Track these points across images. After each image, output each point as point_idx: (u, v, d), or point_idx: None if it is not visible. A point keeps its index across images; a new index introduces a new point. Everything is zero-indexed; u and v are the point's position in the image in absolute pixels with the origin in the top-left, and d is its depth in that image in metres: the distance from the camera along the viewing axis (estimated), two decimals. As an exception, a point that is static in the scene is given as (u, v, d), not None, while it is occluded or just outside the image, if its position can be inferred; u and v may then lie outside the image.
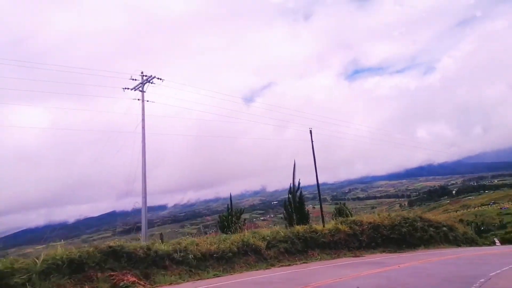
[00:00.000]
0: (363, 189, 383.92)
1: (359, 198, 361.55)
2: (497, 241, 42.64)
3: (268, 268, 17.56)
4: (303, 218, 27.60)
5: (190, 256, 15.74)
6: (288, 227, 25.60)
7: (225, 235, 21.13)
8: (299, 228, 23.51)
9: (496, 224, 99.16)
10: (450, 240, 32.21)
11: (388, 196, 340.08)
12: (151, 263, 14.39)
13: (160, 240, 18.62)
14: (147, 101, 20.05)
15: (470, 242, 34.56)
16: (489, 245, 38.99)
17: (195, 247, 16.74)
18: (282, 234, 22.13)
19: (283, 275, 14.90)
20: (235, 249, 18.28)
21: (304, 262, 19.46)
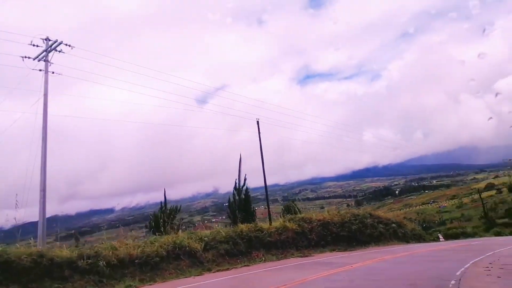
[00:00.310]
0: (312, 189, 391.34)
1: (308, 199, 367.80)
2: (441, 236, 42.89)
3: (201, 274, 14.71)
4: (249, 216, 25.03)
5: (101, 263, 12.50)
6: (232, 227, 22.92)
7: (154, 236, 17.99)
8: (243, 227, 20.90)
9: (436, 221, 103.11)
10: (399, 237, 31.23)
11: (336, 197, 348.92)
12: (43, 273, 11.02)
13: (74, 243, 15.09)
14: (52, 72, 16.36)
15: (418, 238, 33.96)
16: (434, 240, 38.90)
17: (111, 252, 13.51)
18: (224, 234, 19.39)
19: (215, 283, 12.16)
20: (164, 252, 15.26)
21: (246, 265, 16.84)
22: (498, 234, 48.08)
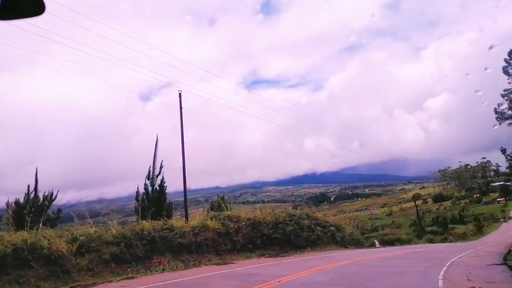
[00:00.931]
0: (253, 193, 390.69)
1: (248, 202, 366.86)
2: (377, 242, 40.61)
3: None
4: (162, 212, 19.77)
5: None
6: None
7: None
8: (145, 224, 15.71)
9: (368, 228, 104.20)
10: (337, 241, 27.75)
11: (275, 201, 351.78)
12: None
13: None
14: None
15: (356, 243, 30.83)
16: (371, 246, 36.42)
17: None
18: (114, 232, 14.07)
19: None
20: (-3, 257, 9.68)
21: (131, 277, 11.70)
22: (431, 241, 47.31)
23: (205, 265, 14.77)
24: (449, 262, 13.93)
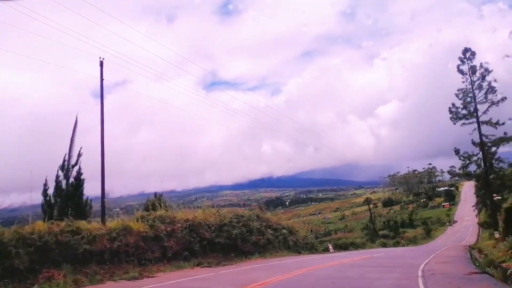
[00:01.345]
0: (209, 197, 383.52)
1: (202, 207, 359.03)
2: (330, 247, 38.43)
3: None
4: (78, 211, 15.73)
5: None
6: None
7: None
8: (39, 225, 11.76)
9: (322, 232, 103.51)
10: (290, 246, 24.89)
11: (232, 205, 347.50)
12: None
13: None
14: None
15: (310, 248, 28.22)
16: (324, 251, 34.17)
17: None
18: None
19: None
20: None
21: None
22: (384, 245, 46.12)
23: (114, 280, 11.08)
24: (419, 271, 11.32)
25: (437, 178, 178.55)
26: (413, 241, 55.75)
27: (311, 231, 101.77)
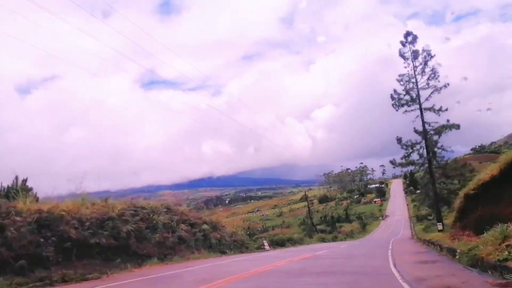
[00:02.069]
0: (146, 197, 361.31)
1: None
2: (266, 244, 33.49)
3: None
4: None
5: None
6: None
7: None
8: None
9: (259, 229, 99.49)
10: (212, 245, 19.17)
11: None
12: None
13: None
14: None
15: (239, 246, 22.76)
16: (259, 249, 29.15)
17: None
18: None
19: None
20: None
21: None
22: (323, 240, 42.44)
23: None
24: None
25: (368, 176, 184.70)
26: (350, 235, 53.19)
27: (249, 228, 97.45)
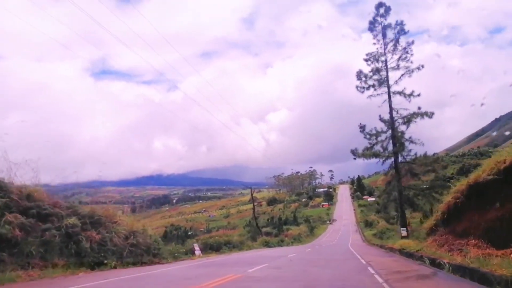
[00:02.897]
0: (89, 193, 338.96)
1: (80, 203, 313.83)
2: (196, 248, 26.22)
3: None
4: None
5: None
6: None
7: None
8: None
9: (203, 229, 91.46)
10: (82, 251, 11.54)
11: (114, 202, 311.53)
12: None
13: None
14: None
15: (142, 253, 15.17)
16: (186, 254, 21.93)
17: None
18: None
19: None
20: None
21: None
22: (267, 244, 35.81)
23: None
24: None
25: (317, 181, 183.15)
26: (297, 239, 47.24)
27: (191, 228, 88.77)
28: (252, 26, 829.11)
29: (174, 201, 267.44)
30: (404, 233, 24.16)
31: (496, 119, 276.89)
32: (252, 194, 58.52)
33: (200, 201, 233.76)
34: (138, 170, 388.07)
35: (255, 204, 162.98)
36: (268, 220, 76.90)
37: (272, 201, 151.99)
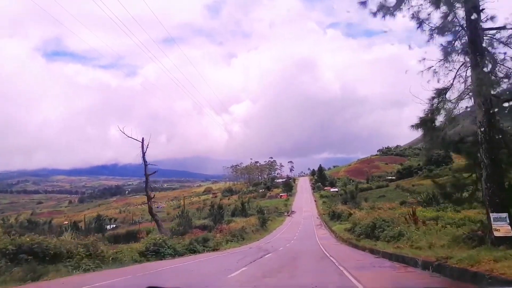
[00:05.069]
0: (36, 182, 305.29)
1: (26, 192, 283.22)
2: None
3: None
4: None
5: None
6: None
7: None
8: None
9: (132, 221, 72.38)
10: None
11: (62, 192, 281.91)
12: None
13: None
14: None
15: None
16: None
17: None
18: None
19: None
20: None
21: None
22: (193, 251, 18.57)
23: None
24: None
25: (277, 172, 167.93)
26: (239, 235, 30.11)
27: (115, 220, 69.36)
28: (218, 14, 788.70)
29: (127, 192, 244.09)
30: (506, 227, 7.72)
31: None
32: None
33: (154, 192, 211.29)
34: (92, 159, 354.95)
35: (211, 196, 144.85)
36: (209, 210, 59.43)
37: (227, 192, 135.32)
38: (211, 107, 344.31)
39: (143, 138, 20.83)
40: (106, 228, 59.07)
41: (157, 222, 21.76)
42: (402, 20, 10.00)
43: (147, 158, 29.13)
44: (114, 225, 65.59)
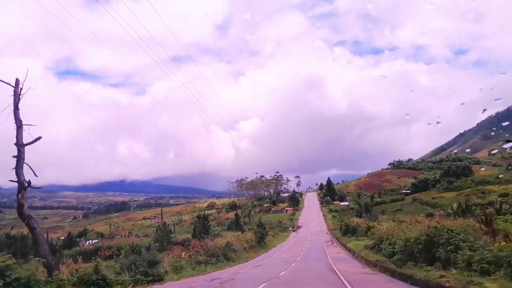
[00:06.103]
0: (43, 197, 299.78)
1: (32, 207, 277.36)
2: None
3: None
4: None
5: None
6: None
7: None
8: None
9: (121, 236, 63.77)
10: None
11: (68, 208, 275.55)
12: None
13: None
14: None
15: None
16: None
17: None
18: None
19: None
20: None
21: None
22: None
23: None
24: None
25: (283, 186, 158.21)
26: (220, 254, 21.14)
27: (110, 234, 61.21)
28: (226, 33, 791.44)
29: (132, 208, 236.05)
30: None
31: (460, 133, 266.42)
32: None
33: (158, 208, 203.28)
34: (101, 175, 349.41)
35: (213, 210, 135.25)
36: (192, 223, 50.63)
37: (232, 207, 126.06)
38: (219, 124, 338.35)
39: (17, 79, 12.25)
40: (79, 244, 50.85)
41: (31, 231, 12.57)
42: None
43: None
44: (96, 240, 57.20)
